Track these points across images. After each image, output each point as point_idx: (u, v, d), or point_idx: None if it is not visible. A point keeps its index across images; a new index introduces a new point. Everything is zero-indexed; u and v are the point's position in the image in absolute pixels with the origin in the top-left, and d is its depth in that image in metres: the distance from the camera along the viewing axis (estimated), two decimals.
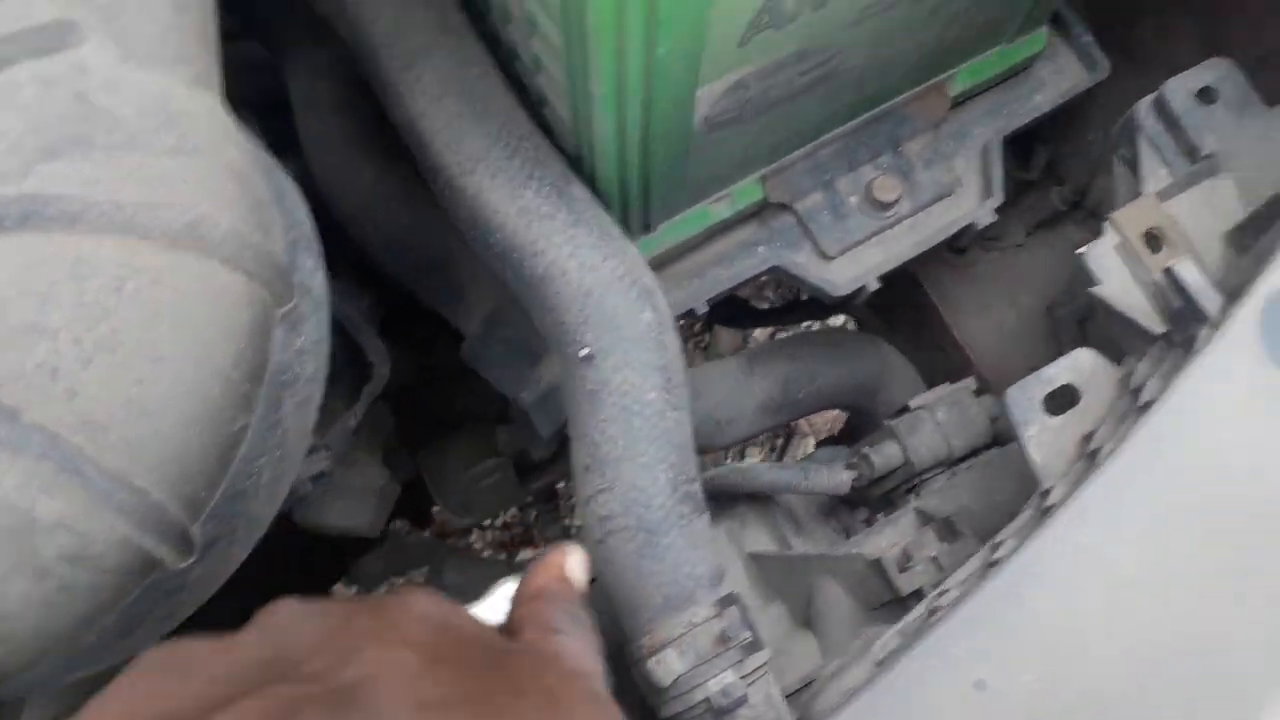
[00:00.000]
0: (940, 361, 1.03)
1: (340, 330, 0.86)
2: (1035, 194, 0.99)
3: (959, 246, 1.02)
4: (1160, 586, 0.43)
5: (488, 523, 1.81)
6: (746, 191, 0.78)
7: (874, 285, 0.79)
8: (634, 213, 0.71)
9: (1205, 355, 0.45)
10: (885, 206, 0.80)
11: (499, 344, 0.78)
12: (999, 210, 0.81)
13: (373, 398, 0.83)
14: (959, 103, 0.83)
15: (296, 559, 0.94)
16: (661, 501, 0.60)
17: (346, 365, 0.86)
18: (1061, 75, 0.85)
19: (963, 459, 0.81)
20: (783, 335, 1.55)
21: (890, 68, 0.73)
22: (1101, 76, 0.84)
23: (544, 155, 0.63)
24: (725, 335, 1.76)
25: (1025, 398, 0.57)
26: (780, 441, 1.72)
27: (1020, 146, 0.98)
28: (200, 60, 0.46)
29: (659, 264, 0.78)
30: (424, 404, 1.04)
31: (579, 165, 0.67)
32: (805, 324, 1.40)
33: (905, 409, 0.83)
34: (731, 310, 1.15)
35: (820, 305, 1.16)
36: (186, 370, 0.40)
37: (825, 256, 0.80)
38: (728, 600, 0.60)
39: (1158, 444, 0.44)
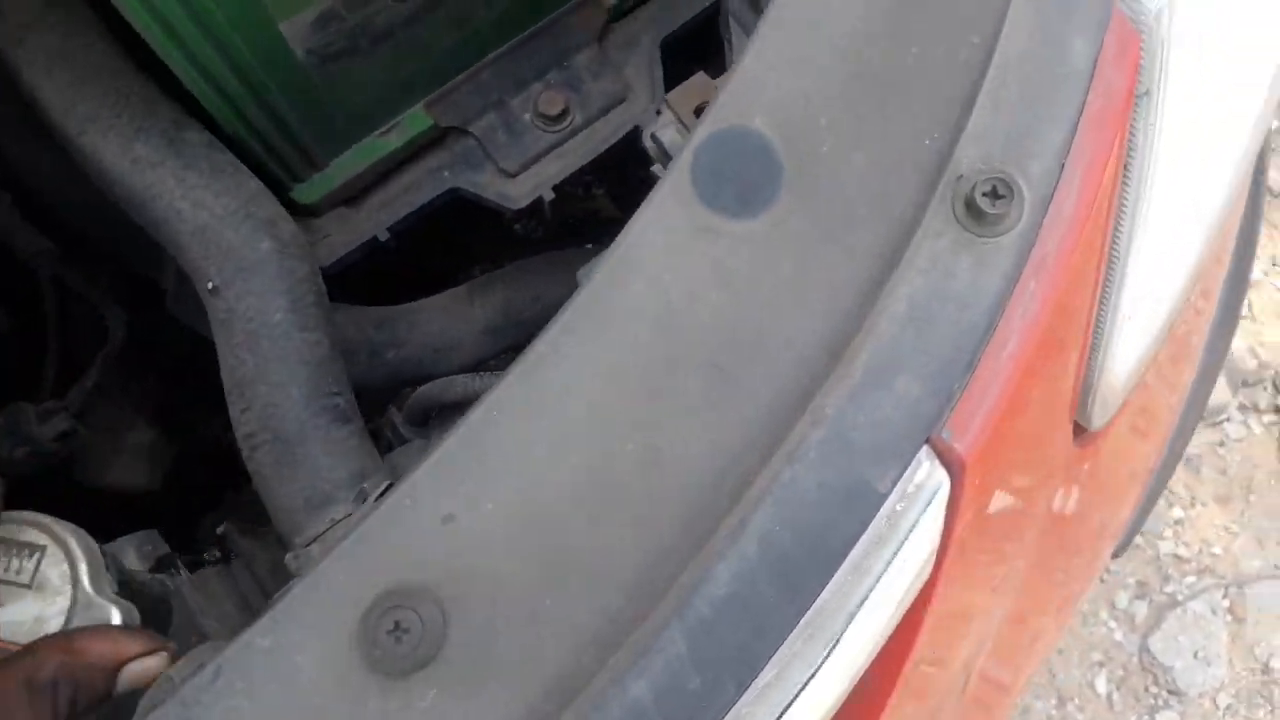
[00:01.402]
0: None
1: (83, 300, 0.91)
2: None
3: None
4: (610, 412, 0.48)
5: None
6: (415, 119, 0.82)
7: (549, 195, 0.84)
8: (286, 152, 0.75)
9: (649, 201, 0.49)
10: (555, 120, 0.84)
11: (191, 296, 0.82)
12: None
13: (110, 359, 0.88)
14: (626, 11, 0.87)
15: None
16: (296, 415, 0.65)
17: (93, 333, 0.91)
18: None
19: None
20: None
21: None
22: None
23: (153, 108, 0.67)
24: None
25: None
26: None
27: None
28: None
29: (344, 199, 0.82)
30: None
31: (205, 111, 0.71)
32: None
33: None
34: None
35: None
36: None
37: (507, 174, 0.84)
38: (361, 495, 0.65)
39: (608, 285, 0.49)
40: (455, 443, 0.48)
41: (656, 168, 0.63)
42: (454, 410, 0.87)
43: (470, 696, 0.44)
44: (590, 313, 0.48)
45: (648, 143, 0.63)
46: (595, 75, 0.85)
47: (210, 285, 0.66)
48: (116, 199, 0.68)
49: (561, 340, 0.48)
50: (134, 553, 0.65)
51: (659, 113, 0.64)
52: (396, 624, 0.45)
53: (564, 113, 0.83)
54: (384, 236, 0.82)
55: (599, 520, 0.47)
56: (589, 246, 1.10)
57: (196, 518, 1.25)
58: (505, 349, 0.96)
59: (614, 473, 0.47)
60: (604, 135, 0.85)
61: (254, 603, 0.72)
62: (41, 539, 0.51)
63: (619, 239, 0.49)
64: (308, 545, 0.64)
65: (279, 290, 0.66)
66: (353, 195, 0.83)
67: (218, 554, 0.75)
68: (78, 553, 0.52)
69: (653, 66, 0.85)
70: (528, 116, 0.84)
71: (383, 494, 0.54)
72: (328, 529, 0.64)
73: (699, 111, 0.63)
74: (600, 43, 0.86)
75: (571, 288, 0.96)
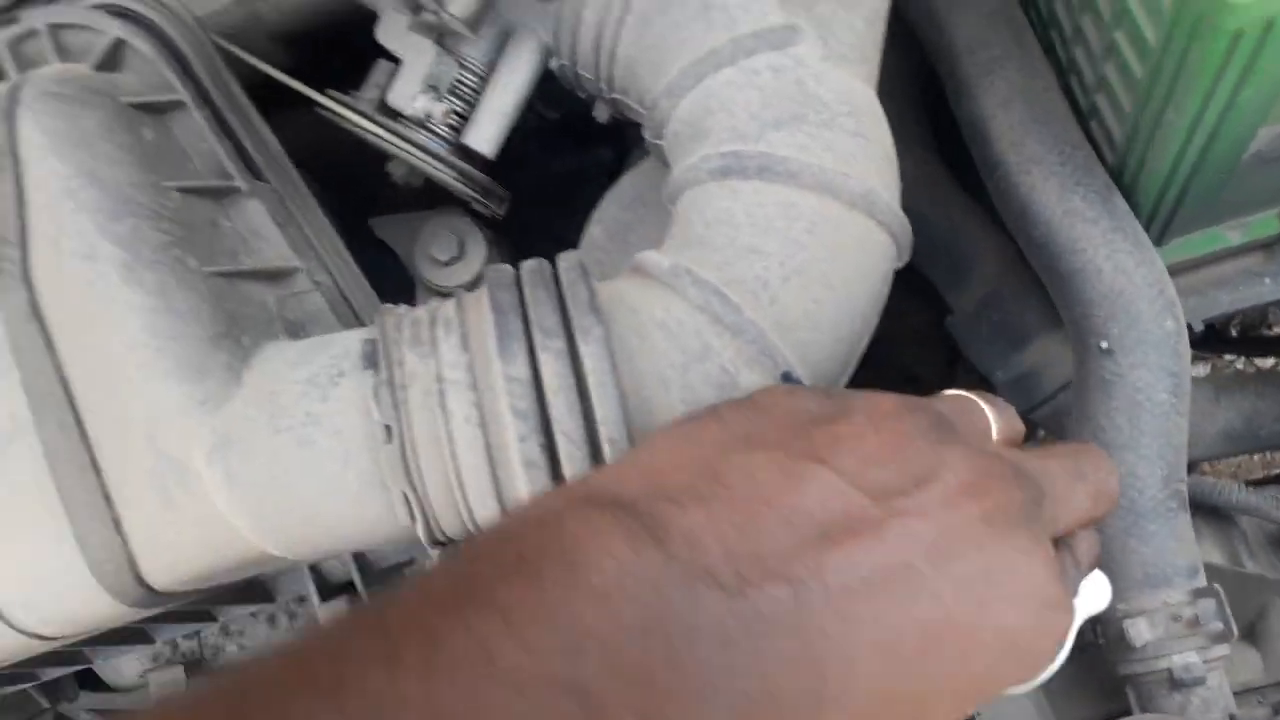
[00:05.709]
0: None
1: None
2: None
3: None
4: None
5: None
6: (1263, 224, 0.81)
7: None
8: (1155, 226, 0.77)
9: None
10: None
11: (986, 325, 0.86)
12: None
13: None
14: None
15: None
16: (1153, 493, 0.67)
17: None
18: None
19: None
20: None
21: None
22: None
23: (1091, 166, 0.71)
24: None
25: None
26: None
27: None
28: (873, 62, 0.58)
29: None
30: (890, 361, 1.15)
31: (1117, 177, 0.74)
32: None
33: None
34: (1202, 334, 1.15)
35: None
36: (844, 300, 0.53)
37: None
38: (1204, 592, 0.66)
39: None
40: None
41: None
42: (1196, 511, 0.86)
43: None
44: None
45: None
46: None
47: (1104, 345, 0.69)
48: (1031, 237, 0.72)
49: None
50: None
51: None
52: None
53: None
54: (1198, 327, 0.82)
55: None
56: None
57: None
58: (1232, 454, 0.94)
59: None
60: None
61: None
62: None
63: None
64: (1136, 616, 0.66)
65: (1169, 370, 0.68)
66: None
67: None
68: None
69: None
70: None
71: None
72: (1159, 609, 0.66)
73: None
74: None
75: None
